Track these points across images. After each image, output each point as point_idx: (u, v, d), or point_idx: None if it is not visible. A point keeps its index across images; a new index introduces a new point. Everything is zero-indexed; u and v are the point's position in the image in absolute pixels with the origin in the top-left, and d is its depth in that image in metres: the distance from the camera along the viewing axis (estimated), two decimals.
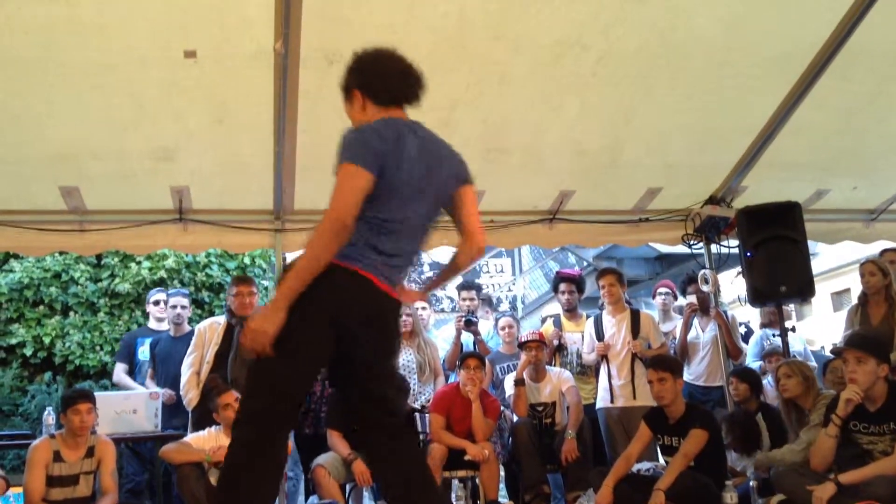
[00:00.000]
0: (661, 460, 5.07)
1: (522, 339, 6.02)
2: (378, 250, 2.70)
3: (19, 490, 4.97)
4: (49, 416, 5.29)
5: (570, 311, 6.57)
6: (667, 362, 4.85)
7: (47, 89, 4.44)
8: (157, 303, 6.67)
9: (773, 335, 6.46)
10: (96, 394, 5.03)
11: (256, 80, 4.56)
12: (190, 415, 5.37)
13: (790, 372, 4.71)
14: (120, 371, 6.42)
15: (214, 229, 5.70)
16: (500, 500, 5.38)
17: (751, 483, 4.70)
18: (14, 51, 4.19)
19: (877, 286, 5.46)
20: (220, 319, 5.56)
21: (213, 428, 4.95)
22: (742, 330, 7.13)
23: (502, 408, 5.89)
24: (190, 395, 5.30)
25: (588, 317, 6.52)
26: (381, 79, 2.97)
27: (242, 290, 5.48)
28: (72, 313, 8.12)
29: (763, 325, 7.04)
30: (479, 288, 7.07)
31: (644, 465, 4.96)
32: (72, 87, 4.45)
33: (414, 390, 5.99)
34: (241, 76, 4.54)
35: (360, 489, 5.76)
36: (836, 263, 19.99)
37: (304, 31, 4.28)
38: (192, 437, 4.92)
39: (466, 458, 5.37)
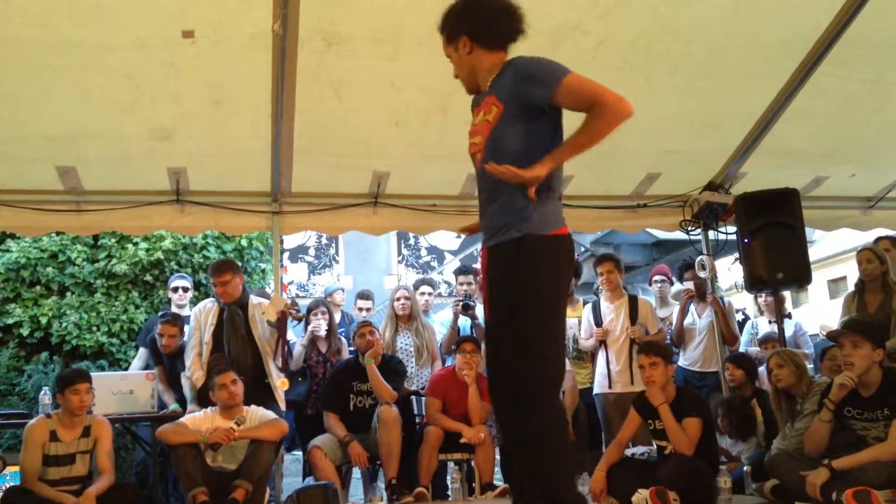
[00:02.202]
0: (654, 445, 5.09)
1: None
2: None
3: (16, 469, 4.99)
4: (45, 396, 5.31)
5: (567, 297, 6.55)
6: (658, 347, 4.87)
7: (44, 69, 4.42)
8: (175, 290, 6.64)
9: (769, 322, 6.48)
10: (93, 374, 5.03)
11: (254, 62, 4.55)
12: (197, 394, 5.38)
13: (781, 361, 4.71)
14: (140, 357, 6.38)
15: (212, 211, 5.70)
16: (495, 482, 5.41)
17: (745, 468, 4.73)
18: (11, 30, 4.18)
19: (874, 273, 5.47)
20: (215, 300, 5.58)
21: (210, 409, 4.96)
22: (739, 317, 7.15)
23: None
24: (196, 376, 5.32)
25: (585, 302, 6.53)
26: (489, 24, 2.91)
27: (215, 282, 5.49)
28: (69, 294, 8.12)
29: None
30: (476, 272, 7.08)
31: (638, 450, 4.99)
32: (69, 67, 4.44)
33: (411, 373, 6.01)
34: (240, 57, 4.52)
35: (351, 471, 5.77)
36: (833, 251, 20.00)
37: (303, 12, 4.26)
38: (188, 418, 4.94)
39: (462, 441, 5.39)
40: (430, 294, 6.85)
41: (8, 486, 5.28)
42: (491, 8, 2.90)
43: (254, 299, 5.60)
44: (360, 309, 7.13)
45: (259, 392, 5.18)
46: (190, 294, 6.66)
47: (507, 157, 2.73)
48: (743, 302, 9.02)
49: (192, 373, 5.35)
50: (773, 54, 4.98)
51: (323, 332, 6.09)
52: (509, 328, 2.74)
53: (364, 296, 7.27)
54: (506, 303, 2.79)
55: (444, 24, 2.97)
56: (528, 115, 2.81)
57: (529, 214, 2.75)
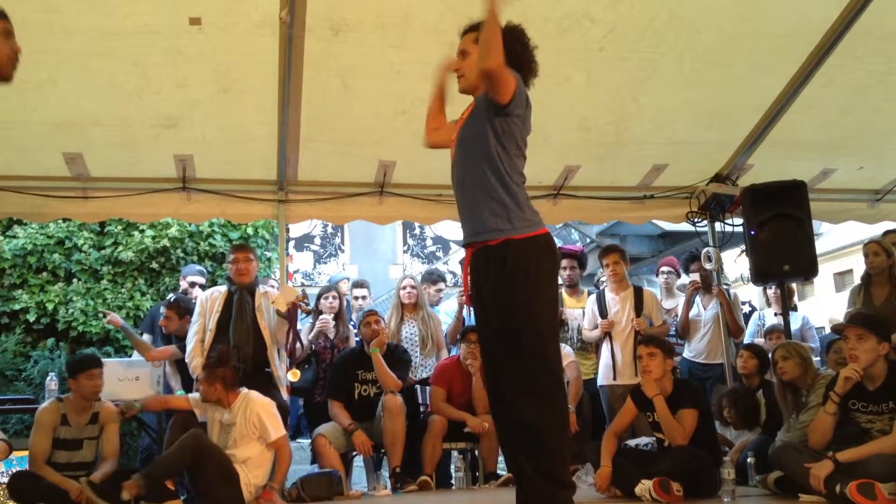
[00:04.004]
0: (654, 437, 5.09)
1: None
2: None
3: (22, 454, 5.02)
4: (52, 382, 5.33)
5: (572, 287, 6.57)
6: (658, 339, 4.86)
7: (51, 55, 4.42)
8: (193, 285, 6.63)
9: (775, 314, 6.47)
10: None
11: (262, 49, 4.54)
12: (194, 382, 5.38)
13: (787, 354, 4.70)
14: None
15: (218, 199, 5.70)
16: (498, 471, 5.42)
17: (748, 460, 4.73)
18: (18, 15, 4.13)
19: (880, 266, 5.45)
20: (221, 288, 5.57)
21: None
22: (745, 309, 7.13)
23: None
24: (195, 363, 5.31)
25: (589, 293, 6.52)
26: (521, 57, 3.24)
27: (238, 256, 5.49)
28: (75, 280, 8.15)
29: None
30: None
31: (642, 440, 4.99)
32: (76, 53, 4.44)
33: (416, 363, 6.01)
34: (247, 45, 4.52)
35: (353, 460, 5.78)
36: (840, 244, 19.95)
37: (310, 0, 4.25)
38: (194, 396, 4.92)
39: (466, 430, 5.40)
40: (444, 288, 6.90)
41: (14, 471, 5.31)
42: (529, 49, 3.28)
43: (262, 288, 5.61)
44: (356, 297, 7.11)
45: (259, 380, 5.18)
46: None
47: (471, 144, 3.20)
48: (749, 294, 9.00)
49: (192, 359, 5.35)
50: (782, 45, 4.95)
51: (331, 323, 6.07)
52: None
53: (359, 284, 7.24)
54: None
55: None
56: (487, 113, 3.14)
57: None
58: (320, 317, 6.09)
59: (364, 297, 6.94)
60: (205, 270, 7.15)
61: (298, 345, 5.67)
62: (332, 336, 6.13)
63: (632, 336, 5.86)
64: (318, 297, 6.26)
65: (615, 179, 6.15)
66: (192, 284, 6.60)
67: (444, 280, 7.08)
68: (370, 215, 6.04)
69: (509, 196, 3.11)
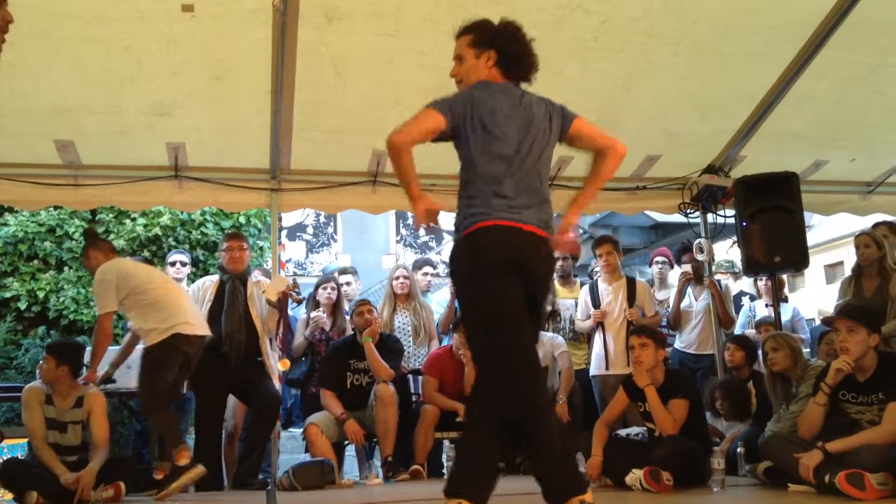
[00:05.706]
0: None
1: None
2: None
3: (13, 442, 5.01)
4: None
5: (564, 278, 6.58)
6: (650, 330, 4.87)
7: (43, 40, 4.39)
8: (173, 264, 6.62)
9: (766, 305, 6.49)
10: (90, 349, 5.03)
11: (255, 37, 4.52)
12: None
13: (777, 345, 4.71)
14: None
15: (210, 187, 5.68)
16: None
17: (738, 450, 4.75)
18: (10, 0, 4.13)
19: (871, 258, 5.46)
20: (213, 277, 5.57)
21: None
22: (746, 302, 7.15)
23: None
24: None
25: (582, 283, 6.53)
26: (519, 57, 3.21)
27: (232, 245, 5.48)
28: (66, 268, 8.13)
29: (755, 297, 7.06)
30: None
31: (633, 430, 5.01)
32: (68, 39, 4.41)
33: (408, 353, 6.02)
34: (240, 32, 4.49)
35: (344, 449, 5.79)
36: (831, 236, 20.02)
37: None
38: None
39: (458, 419, 5.41)
40: (431, 274, 6.85)
41: (5, 458, 5.30)
42: (525, 46, 3.20)
43: (254, 277, 5.60)
44: (342, 284, 7.06)
45: (251, 369, 5.19)
46: (187, 269, 6.64)
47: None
48: (747, 285, 9.01)
49: None
50: (776, 37, 4.95)
51: (324, 319, 6.04)
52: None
53: (345, 271, 7.20)
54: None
55: (477, 29, 3.19)
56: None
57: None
58: (313, 314, 6.05)
59: (349, 283, 6.90)
60: (187, 252, 7.11)
61: (291, 336, 5.67)
62: (327, 328, 6.11)
63: (624, 326, 5.87)
64: (316, 288, 6.23)
65: None
66: (173, 263, 6.54)
67: (429, 264, 7.06)
68: (363, 205, 6.03)
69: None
